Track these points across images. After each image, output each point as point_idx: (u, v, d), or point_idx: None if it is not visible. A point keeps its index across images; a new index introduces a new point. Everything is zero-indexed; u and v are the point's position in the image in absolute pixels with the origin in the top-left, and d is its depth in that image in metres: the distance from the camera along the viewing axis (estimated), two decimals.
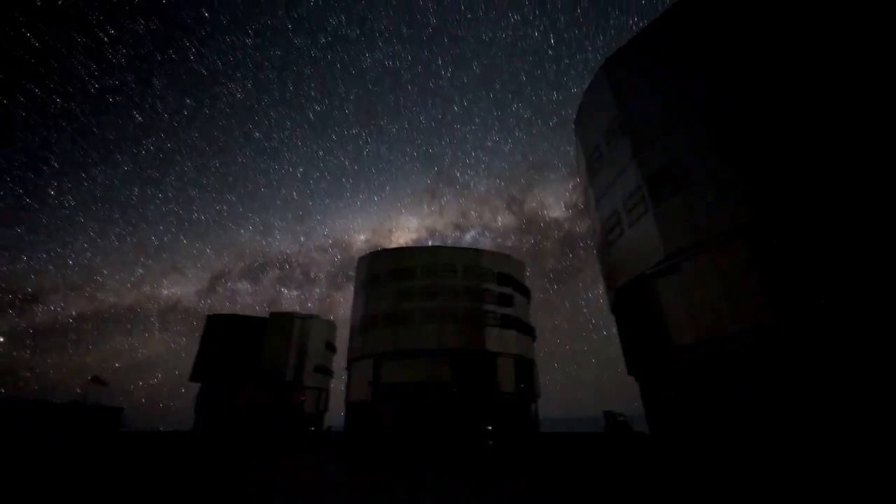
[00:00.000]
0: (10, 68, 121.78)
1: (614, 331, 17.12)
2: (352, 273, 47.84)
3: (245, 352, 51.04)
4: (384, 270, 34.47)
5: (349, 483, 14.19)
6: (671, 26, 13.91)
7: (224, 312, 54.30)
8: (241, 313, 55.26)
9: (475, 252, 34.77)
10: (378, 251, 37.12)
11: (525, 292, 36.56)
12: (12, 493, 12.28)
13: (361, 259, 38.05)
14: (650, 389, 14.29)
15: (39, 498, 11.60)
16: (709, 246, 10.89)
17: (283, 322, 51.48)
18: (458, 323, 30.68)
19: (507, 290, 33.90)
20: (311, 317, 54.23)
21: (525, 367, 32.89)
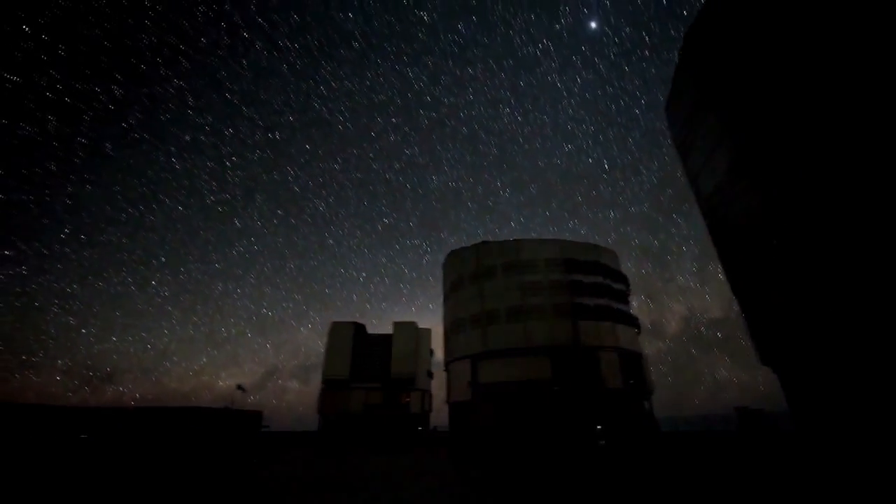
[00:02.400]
0: (152, 183, 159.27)
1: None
2: None
3: (366, 356, 55.63)
4: (473, 270, 34.15)
5: (463, 488, 14.40)
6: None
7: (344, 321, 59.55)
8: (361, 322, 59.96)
9: (591, 247, 33.36)
10: (464, 248, 36.55)
11: (623, 282, 33.85)
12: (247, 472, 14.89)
13: (453, 255, 37.50)
14: (796, 382, 11.95)
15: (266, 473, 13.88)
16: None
17: (407, 332, 55.99)
18: (553, 318, 29.40)
19: (604, 281, 31.72)
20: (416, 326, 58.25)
21: (632, 362, 30.24)
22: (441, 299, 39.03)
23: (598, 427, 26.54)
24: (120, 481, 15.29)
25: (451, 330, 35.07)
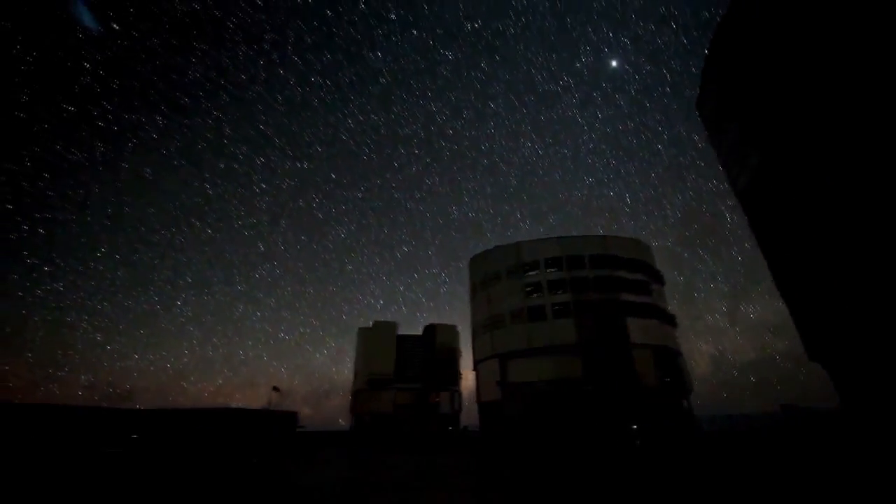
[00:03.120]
0: (185, 207, 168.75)
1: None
2: None
3: (406, 356, 56.25)
4: (499, 269, 34.03)
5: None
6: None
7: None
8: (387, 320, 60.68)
9: (597, 239, 32.26)
10: (491, 249, 36.53)
11: (657, 278, 32.59)
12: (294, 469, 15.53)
13: (474, 259, 38.03)
14: (848, 378, 11.20)
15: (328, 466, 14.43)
16: None
17: (449, 334, 56.66)
18: (583, 316, 28.78)
19: (637, 276, 30.59)
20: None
21: (668, 359, 29.17)
22: (459, 329, 39.27)
23: (634, 427, 25.76)
24: (168, 477, 16.13)
25: (477, 330, 35.07)
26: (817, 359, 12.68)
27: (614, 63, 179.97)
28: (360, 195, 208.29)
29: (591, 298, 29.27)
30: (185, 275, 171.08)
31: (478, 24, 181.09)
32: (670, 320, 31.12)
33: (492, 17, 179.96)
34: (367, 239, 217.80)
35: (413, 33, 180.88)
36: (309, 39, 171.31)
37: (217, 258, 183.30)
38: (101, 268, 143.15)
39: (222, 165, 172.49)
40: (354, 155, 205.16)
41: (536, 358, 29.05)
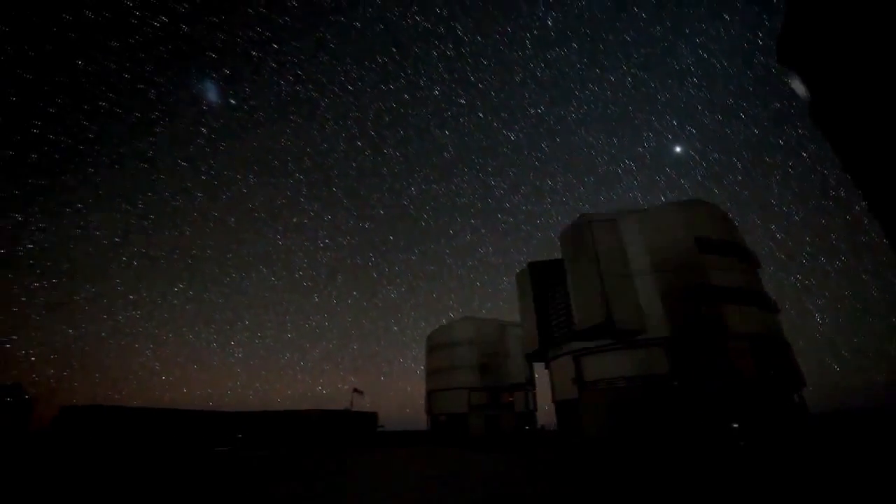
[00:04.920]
0: (257, 254, 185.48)
1: None
2: None
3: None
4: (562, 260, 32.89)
5: None
6: None
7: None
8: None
9: (660, 218, 29.37)
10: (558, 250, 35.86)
11: (745, 255, 28.93)
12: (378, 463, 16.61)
13: (531, 265, 37.59)
14: None
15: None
16: None
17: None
18: (659, 304, 26.50)
19: (717, 257, 27.37)
20: None
21: (772, 349, 25.76)
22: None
23: (735, 426, 23.11)
24: (274, 472, 17.73)
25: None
26: None
27: (678, 149, 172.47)
28: (414, 258, 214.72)
29: (657, 284, 26.93)
30: (244, 317, 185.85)
31: (540, 109, 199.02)
32: (767, 304, 27.44)
33: (554, 104, 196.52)
34: (416, 301, 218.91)
35: (479, 115, 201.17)
36: (387, 118, 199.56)
37: (275, 305, 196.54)
38: (176, 302, 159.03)
39: (294, 220, 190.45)
40: (413, 220, 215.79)
41: (613, 353, 27.31)
